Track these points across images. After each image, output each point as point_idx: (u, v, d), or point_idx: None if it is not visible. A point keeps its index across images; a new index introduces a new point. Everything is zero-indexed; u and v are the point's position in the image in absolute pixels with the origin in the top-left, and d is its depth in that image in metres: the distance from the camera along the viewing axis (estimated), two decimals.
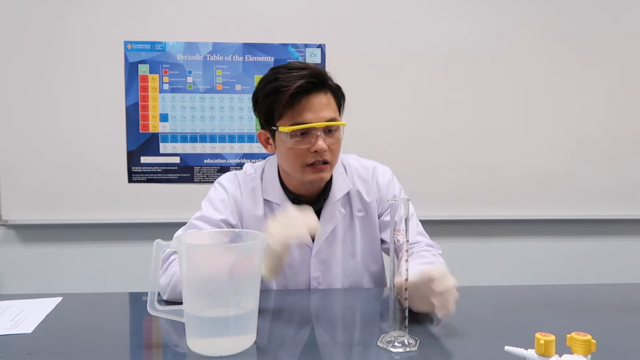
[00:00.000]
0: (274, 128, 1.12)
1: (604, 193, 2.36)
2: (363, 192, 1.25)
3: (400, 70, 2.25)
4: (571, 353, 0.69)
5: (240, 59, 2.20)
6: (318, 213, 1.21)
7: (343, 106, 1.18)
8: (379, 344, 0.83)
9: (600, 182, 2.35)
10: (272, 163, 1.25)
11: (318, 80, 1.09)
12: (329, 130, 1.11)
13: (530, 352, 0.72)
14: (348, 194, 1.25)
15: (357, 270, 1.27)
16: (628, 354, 0.85)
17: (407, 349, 0.81)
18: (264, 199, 1.21)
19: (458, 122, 2.28)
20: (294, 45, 2.21)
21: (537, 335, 0.71)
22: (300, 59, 2.21)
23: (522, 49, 2.28)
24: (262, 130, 1.18)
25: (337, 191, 1.23)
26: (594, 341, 0.69)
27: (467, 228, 2.37)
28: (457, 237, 2.37)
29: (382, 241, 1.28)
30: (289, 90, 1.06)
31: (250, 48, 2.20)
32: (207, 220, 1.18)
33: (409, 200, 0.85)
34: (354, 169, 1.28)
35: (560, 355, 0.69)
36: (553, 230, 2.41)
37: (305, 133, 1.09)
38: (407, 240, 0.83)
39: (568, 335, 0.70)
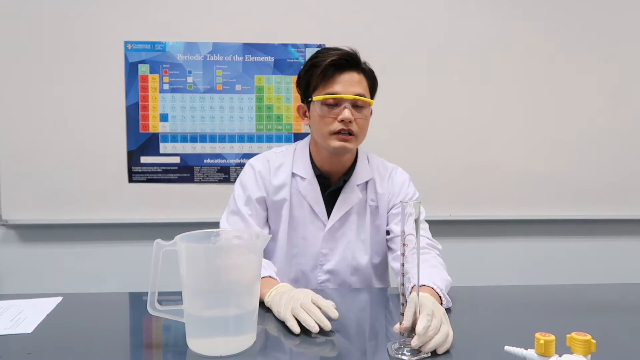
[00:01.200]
0: (309, 99, 1.25)
1: (604, 193, 2.36)
2: (378, 184, 1.35)
3: (400, 70, 2.25)
4: (571, 353, 0.69)
5: (240, 59, 2.20)
6: (338, 192, 1.31)
7: (375, 90, 1.31)
8: (389, 352, 0.83)
9: (600, 182, 2.35)
10: (305, 142, 1.38)
11: (350, 59, 1.23)
12: (357, 106, 1.23)
13: (530, 352, 0.72)
14: (366, 183, 1.34)
15: (362, 257, 1.33)
16: (628, 354, 0.85)
17: (418, 357, 0.80)
18: (292, 172, 1.32)
19: (458, 122, 2.28)
20: (294, 45, 2.21)
21: (537, 335, 0.71)
22: (300, 59, 2.22)
23: (523, 49, 2.28)
24: (300, 104, 1.32)
25: (359, 176, 1.33)
26: (594, 341, 0.69)
27: (467, 228, 2.37)
28: (457, 237, 2.36)
29: (387, 232, 1.35)
30: (324, 64, 1.20)
31: (250, 48, 2.20)
32: (240, 202, 1.31)
33: (420, 202, 0.84)
34: (376, 164, 1.38)
35: (560, 355, 0.69)
36: (553, 230, 2.41)
37: (335, 104, 1.22)
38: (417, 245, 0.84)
39: (568, 335, 0.71)
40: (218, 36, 2.18)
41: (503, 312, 1.08)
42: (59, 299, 1.09)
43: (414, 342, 0.80)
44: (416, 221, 0.82)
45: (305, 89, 1.27)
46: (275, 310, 0.99)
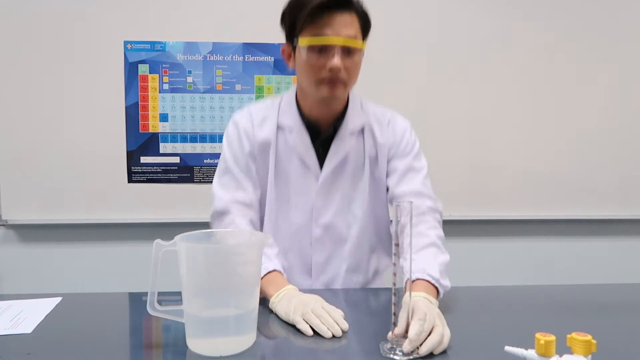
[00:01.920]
0: (295, 41, 1.13)
1: (604, 193, 2.36)
2: (377, 132, 1.25)
3: (400, 70, 2.25)
4: (571, 353, 0.69)
5: (240, 59, 2.20)
6: (329, 142, 1.21)
7: (368, 32, 1.18)
8: (381, 352, 0.83)
9: (600, 182, 2.35)
10: (291, 90, 1.26)
11: (342, 0, 1.08)
12: (347, 51, 1.10)
13: (530, 352, 0.72)
14: (362, 131, 1.24)
15: (360, 209, 1.25)
16: (628, 354, 0.85)
17: (409, 357, 0.81)
18: (278, 125, 1.22)
19: (458, 122, 2.28)
20: None
21: (537, 335, 0.71)
22: None
23: (523, 49, 2.28)
24: (285, 45, 1.19)
25: (351, 123, 1.22)
26: (594, 341, 0.69)
27: (467, 228, 2.37)
28: (457, 237, 2.36)
29: (387, 189, 1.27)
30: (313, 4, 1.06)
31: (250, 48, 2.20)
32: (229, 159, 1.22)
33: (411, 202, 0.84)
34: (371, 111, 1.27)
35: (560, 356, 0.69)
36: (553, 230, 2.41)
37: (323, 49, 1.09)
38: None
39: (568, 336, 0.70)
40: (218, 36, 2.18)
41: (503, 312, 1.08)
42: (58, 299, 1.09)
43: (405, 346, 0.79)
44: (410, 219, 0.82)
45: (290, 28, 1.14)
46: (282, 312, 0.97)
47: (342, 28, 1.08)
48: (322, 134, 1.21)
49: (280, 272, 1.10)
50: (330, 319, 0.91)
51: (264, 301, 1.03)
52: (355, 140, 1.23)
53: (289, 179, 1.22)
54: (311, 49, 1.09)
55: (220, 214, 1.19)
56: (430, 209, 1.21)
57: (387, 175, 1.26)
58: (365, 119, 1.25)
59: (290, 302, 0.97)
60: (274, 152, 1.21)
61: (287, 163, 1.21)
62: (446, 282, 1.05)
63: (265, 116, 1.23)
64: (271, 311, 1.02)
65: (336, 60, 1.08)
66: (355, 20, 1.11)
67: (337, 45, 1.08)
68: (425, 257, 1.08)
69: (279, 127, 1.22)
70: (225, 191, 1.20)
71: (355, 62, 1.13)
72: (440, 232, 1.19)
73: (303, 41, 1.09)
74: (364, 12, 1.15)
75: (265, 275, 1.06)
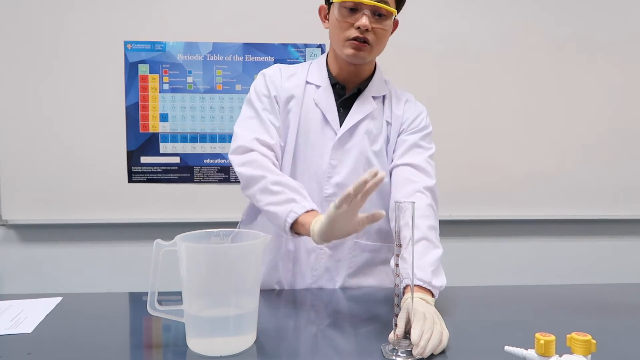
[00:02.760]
0: (330, 1, 1.18)
1: (604, 193, 2.36)
2: (394, 103, 1.30)
3: (400, 70, 2.24)
4: (571, 353, 0.69)
5: (240, 59, 2.20)
6: (352, 103, 1.26)
7: (402, 3, 1.25)
8: (383, 353, 0.83)
9: (600, 182, 2.35)
10: (324, 55, 1.32)
11: None
12: (378, 15, 1.16)
13: (530, 352, 0.72)
14: (383, 98, 1.29)
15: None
16: (628, 354, 0.85)
17: (412, 358, 0.81)
18: (306, 82, 1.26)
19: (458, 121, 2.28)
20: (294, 45, 2.21)
21: (537, 335, 0.71)
22: (301, 60, 2.21)
23: (523, 48, 2.28)
24: (322, 5, 1.25)
25: (374, 88, 1.28)
26: (594, 341, 0.69)
27: (467, 228, 2.37)
28: (457, 237, 2.36)
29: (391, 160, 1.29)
30: None
31: (250, 48, 2.20)
32: (258, 106, 1.24)
33: (413, 203, 0.84)
34: (394, 88, 1.34)
35: (560, 356, 0.69)
36: (553, 230, 2.41)
37: (354, 9, 1.14)
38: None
39: (568, 335, 0.71)
40: (218, 36, 2.18)
41: (503, 312, 1.08)
42: (58, 299, 1.09)
43: (416, 351, 0.80)
44: (412, 219, 0.82)
45: None
46: (324, 218, 0.92)
47: None
48: (347, 94, 1.26)
49: (316, 210, 1.07)
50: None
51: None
52: (375, 104, 1.27)
53: (308, 134, 1.25)
54: (343, 7, 1.14)
55: (242, 149, 1.19)
56: (426, 188, 1.22)
57: (395, 149, 1.29)
58: (384, 88, 1.30)
59: (327, 218, 0.91)
60: (299, 105, 1.24)
61: (308, 118, 1.25)
62: (439, 282, 1.03)
63: (294, 72, 1.28)
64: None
65: (365, 20, 1.12)
66: None
67: (367, 4, 1.12)
68: (416, 260, 1.04)
69: (306, 83, 1.26)
70: (249, 131, 1.21)
71: (384, 26, 1.17)
72: (432, 220, 1.17)
73: (337, 0, 1.14)
74: None
75: (304, 213, 1.04)
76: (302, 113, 1.24)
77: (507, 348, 0.74)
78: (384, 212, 0.90)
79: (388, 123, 1.28)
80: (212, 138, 2.22)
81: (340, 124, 1.24)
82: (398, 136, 1.29)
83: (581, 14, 2.29)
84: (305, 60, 2.21)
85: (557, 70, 2.30)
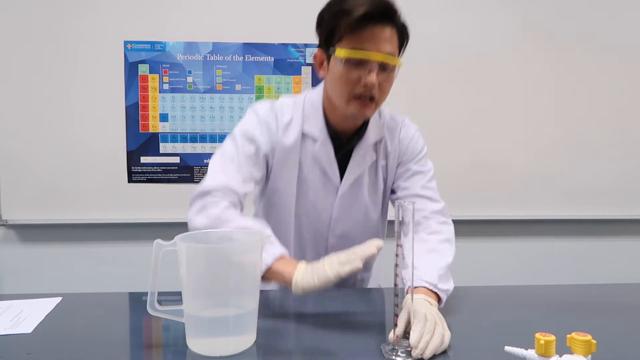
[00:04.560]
0: (331, 50, 1.08)
1: (604, 193, 2.36)
2: (388, 142, 1.25)
3: (400, 70, 2.24)
4: (571, 353, 0.69)
5: (240, 59, 2.20)
6: (350, 153, 1.20)
7: (405, 48, 1.16)
8: (383, 353, 0.83)
9: (600, 182, 2.35)
10: (317, 93, 1.21)
11: (386, 12, 1.05)
12: (383, 67, 1.08)
13: (530, 352, 0.72)
14: (377, 142, 1.24)
15: (373, 215, 1.28)
16: (628, 354, 0.85)
17: (411, 358, 0.81)
18: (302, 133, 1.18)
19: (458, 121, 2.28)
20: (294, 45, 2.21)
21: (537, 335, 0.71)
22: (301, 59, 2.21)
23: (523, 48, 2.28)
24: (318, 52, 1.14)
25: (372, 135, 1.21)
26: (594, 341, 0.69)
27: (467, 228, 2.37)
28: (457, 237, 2.35)
29: (392, 191, 1.28)
30: (355, 14, 1.02)
31: (250, 48, 2.20)
32: (242, 152, 1.17)
33: (414, 203, 0.84)
34: (387, 119, 1.27)
35: (560, 356, 0.69)
36: (553, 230, 2.41)
37: (360, 63, 1.06)
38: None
39: (568, 336, 0.70)
40: (218, 36, 2.18)
41: (503, 312, 1.08)
42: (58, 299, 1.09)
43: (415, 353, 0.80)
44: (412, 218, 0.82)
45: (328, 36, 1.08)
46: (313, 280, 0.90)
47: (383, 43, 1.05)
48: (345, 145, 1.20)
49: (287, 255, 1.04)
50: (363, 246, 0.88)
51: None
52: (372, 151, 1.23)
53: (308, 189, 1.21)
54: (348, 61, 1.06)
55: (206, 193, 1.11)
56: (433, 212, 1.21)
57: (395, 179, 1.27)
58: (381, 130, 1.24)
59: (316, 269, 0.91)
60: (296, 160, 1.18)
61: (308, 173, 1.20)
62: (446, 285, 1.04)
63: (290, 119, 1.18)
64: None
65: (373, 77, 1.05)
66: (395, 34, 1.09)
67: (376, 61, 1.05)
68: (423, 266, 1.06)
69: (303, 134, 1.18)
70: (224, 176, 1.14)
71: (389, 79, 1.12)
72: (443, 235, 1.19)
73: (341, 52, 1.05)
74: (404, 25, 1.13)
75: (276, 260, 1.00)
76: (301, 167, 1.19)
77: (507, 348, 0.74)
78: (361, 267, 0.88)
79: (386, 164, 1.26)
80: (212, 138, 2.22)
81: (341, 176, 1.20)
82: (397, 167, 1.27)
83: (581, 14, 2.29)
84: (305, 61, 2.21)
85: (557, 70, 2.30)
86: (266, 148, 1.16)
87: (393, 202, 1.26)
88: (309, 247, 1.24)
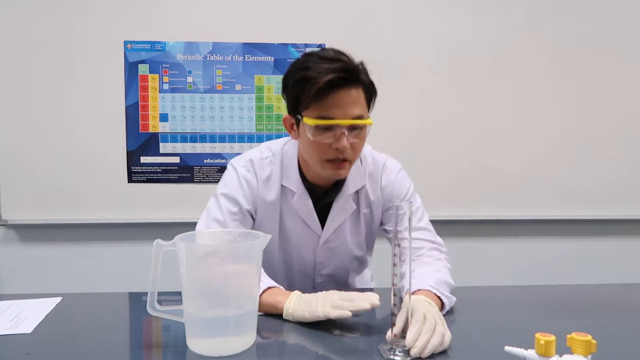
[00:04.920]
0: (299, 117, 1.08)
1: (604, 193, 2.36)
2: (370, 190, 1.24)
3: (400, 71, 2.25)
4: (571, 353, 0.69)
5: (240, 59, 2.20)
6: (330, 204, 1.21)
7: (374, 102, 1.13)
8: (381, 352, 0.83)
9: (600, 182, 2.35)
10: (292, 146, 1.22)
11: (349, 76, 1.03)
12: (353, 128, 1.07)
13: (530, 352, 0.72)
14: (358, 190, 1.24)
15: (358, 253, 1.31)
16: (628, 354, 0.85)
17: (410, 357, 0.81)
18: (281, 185, 1.20)
19: (458, 122, 2.28)
20: (294, 45, 2.21)
21: (537, 335, 0.71)
22: None
23: (522, 49, 2.28)
24: (287, 116, 1.14)
25: (351, 185, 1.21)
26: (594, 341, 0.69)
27: (467, 228, 2.37)
28: (457, 237, 2.36)
29: (386, 231, 1.29)
30: (318, 83, 1.01)
31: (250, 48, 2.20)
32: (226, 212, 1.18)
33: (411, 202, 0.84)
34: (368, 164, 1.25)
35: (560, 356, 0.69)
36: (553, 230, 2.41)
37: (329, 128, 1.05)
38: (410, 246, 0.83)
39: (568, 336, 0.70)
40: (218, 36, 2.18)
41: (503, 312, 1.08)
42: (58, 299, 1.09)
43: (413, 352, 0.80)
44: (410, 220, 0.82)
45: (294, 103, 1.09)
46: (304, 313, 0.93)
47: (350, 107, 1.04)
48: (323, 198, 1.21)
49: (279, 287, 1.07)
50: (360, 296, 0.90)
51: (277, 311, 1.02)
52: (352, 201, 1.23)
53: (291, 237, 1.24)
54: (317, 128, 1.05)
55: None
56: (430, 249, 1.22)
57: (384, 221, 1.28)
58: (362, 178, 1.23)
59: (309, 302, 0.94)
60: (277, 212, 1.21)
61: (289, 222, 1.22)
62: (449, 295, 1.04)
63: (269, 174, 1.20)
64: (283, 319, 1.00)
65: (343, 142, 1.05)
66: (362, 94, 1.08)
67: (344, 126, 1.04)
68: (424, 274, 1.08)
69: (282, 187, 1.20)
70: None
71: (361, 137, 1.10)
72: (446, 263, 1.19)
73: (308, 120, 1.05)
74: (370, 82, 1.10)
75: (265, 290, 1.02)
76: (282, 219, 1.22)
77: (507, 348, 0.74)
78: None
79: (370, 211, 1.26)
80: (212, 138, 2.22)
81: (322, 225, 1.22)
82: (384, 212, 1.27)
83: (581, 14, 2.29)
84: None
85: (557, 70, 2.30)
86: (248, 205, 1.18)
87: (390, 240, 1.27)
88: (298, 283, 1.29)
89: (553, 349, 0.70)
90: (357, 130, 1.08)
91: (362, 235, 1.28)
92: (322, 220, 1.22)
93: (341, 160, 1.08)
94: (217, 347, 0.81)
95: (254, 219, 1.22)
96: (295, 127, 1.13)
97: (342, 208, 1.22)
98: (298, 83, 1.05)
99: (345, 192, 1.21)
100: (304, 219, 1.21)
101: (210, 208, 1.19)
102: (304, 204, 1.20)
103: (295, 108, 1.09)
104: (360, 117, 1.06)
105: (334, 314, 0.89)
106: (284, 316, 0.97)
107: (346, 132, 1.05)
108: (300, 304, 0.95)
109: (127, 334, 0.96)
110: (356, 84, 1.05)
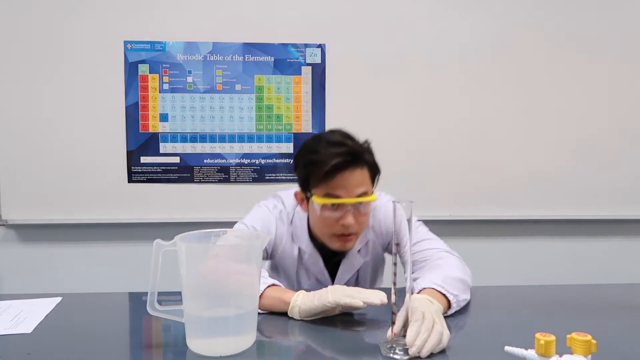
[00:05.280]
0: (308, 194, 1.18)
1: (604, 193, 2.36)
2: (376, 238, 1.32)
3: (400, 71, 2.25)
4: (571, 353, 0.69)
5: (240, 58, 2.20)
6: (339, 261, 1.30)
7: (378, 178, 1.22)
8: (381, 351, 0.83)
9: (600, 182, 2.35)
10: (304, 212, 1.28)
11: (354, 159, 1.13)
12: (359, 204, 1.16)
13: (531, 352, 0.72)
14: (364, 245, 1.31)
15: (368, 284, 1.38)
16: (628, 354, 0.85)
17: (410, 355, 0.81)
18: (292, 240, 1.29)
19: (458, 122, 2.28)
20: (294, 45, 2.21)
21: (537, 335, 0.71)
22: (301, 59, 2.21)
23: (523, 49, 2.28)
24: (298, 191, 1.24)
25: (358, 242, 1.27)
26: (594, 341, 0.69)
27: (467, 228, 2.37)
28: (457, 237, 2.35)
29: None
30: (326, 166, 1.11)
31: (250, 48, 2.20)
32: (250, 227, 1.28)
33: (412, 202, 0.84)
34: (370, 216, 1.29)
35: (560, 356, 0.69)
36: (553, 230, 2.41)
37: (335, 206, 1.14)
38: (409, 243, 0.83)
39: (568, 336, 0.71)
40: (218, 36, 2.18)
41: (503, 312, 1.08)
42: (58, 299, 1.09)
43: (412, 351, 0.80)
44: (408, 220, 0.82)
45: (304, 182, 1.19)
46: (312, 304, 0.96)
47: (355, 187, 1.13)
48: (333, 257, 1.29)
49: (280, 286, 1.10)
50: (370, 292, 0.93)
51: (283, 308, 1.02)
52: (359, 256, 1.31)
53: (304, 284, 1.32)
54: (325, 206, 1.15)
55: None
56: (438, 251, 1.24)
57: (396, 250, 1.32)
58: (365, 235, 1.29)
59: (319, 293, 0.97)
60: (294, 264, 1.30)
61: (303, 275, 1.32)
62: (455, 291, 1.04)
63: (283, 231, 1.29)
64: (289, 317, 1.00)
65: (349, 219, 1.14)
66: (366, 174, 1.16)
67: (349, 204, 1.14)
68: (435, 272, 1.09)
69: (292, 241, 1.29)
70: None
71: (367, 212, 1.19)
72: (459, 262, 1.22)
73: (317, 199, 1.14)
74: (373, 161, 1.19)
75: (270, 286, 1.05)
76: (297, 271, 1.31)
77: (507, 348, 0.74)
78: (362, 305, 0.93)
79: (375, 261, 1.35)
80: (212, 138, 2.22)
81: (332, 278, 1.31)
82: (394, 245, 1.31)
83: (580, 14, 2.29)
84: (305, 61, 2.21)
85: (557, 70, 2.30)
86: (266, 244, 1.24)
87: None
88: None
89: (553, 349, 0.70)
90: (362, 205, 1.16)
91: (368, 271, 1.35)
92: (333, 274, 1.31)
93: (348, 235, 1.17)
94: (217, 347, 0.81)
95: (268, 256, 1.31)
96: (305, 201, 1.23)
97: (350, 264, 1.30)
98: (308, 165, 1.16)
99: (352, 250, 1.28)
100: (316, 275, 1.30)
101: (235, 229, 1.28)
102: (314, 263, 1.29)
103: (305, 186, 1.19)
104: (364, 194, 1.15)
105: (345, 301, 0.92)
106: (289, 311, 0.99)
107: (352, 209, 1.15)
108: (308, 296, 0.98)
109: (127, 334, 0.96)
110: (361, 164, 1.14)
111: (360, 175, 1.14)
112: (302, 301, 0.98)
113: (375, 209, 1.30)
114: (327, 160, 1.11)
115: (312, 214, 1.21)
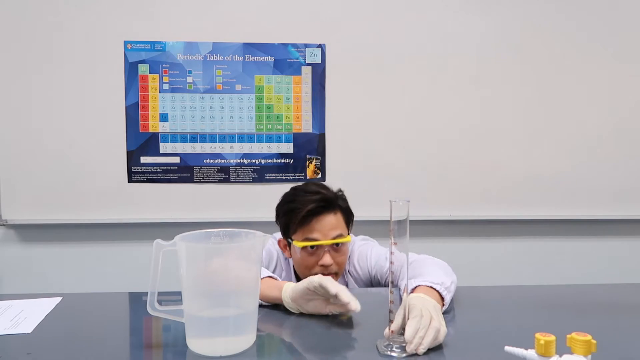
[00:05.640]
0: (289, 240, 1.31)
1: (604, 193, 2.36)
2: (354, 283, 1.40)
3: (400, 71, 2.25)
4: (571, 353, 0.69)
5: (240, 58, 2.20)
6: None
7: (352, 222, 1.36)
8: (378, 349, 0.83)
9: (600, 182, 2.35)
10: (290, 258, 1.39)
11: (327, 204, 1.27)
12: (336, 245, 1.28)
13: (531, 352, 0.72)
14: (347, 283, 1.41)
15: None
16: (628, 354, 0.85)
17: (406, 354, 0.81)
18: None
19: (458, 121, 2.28)
20: (294, 45, 2.21)
21: (537, 335, 0.71)
22: (301, 59, 2.21)
23: (523, 49, 2.28)
24: (281, 238, 1.37)
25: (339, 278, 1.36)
26: (594, 341, 0.69)
27: (467, 228, 2.37)
28: (457, 237, 2.36)
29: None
30: (301, 212, 1.25)
31: (250, 48, 2.20)
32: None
33: (409, 201, 0.84)
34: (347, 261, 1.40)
35: (560, 356, 0.69)
36: (553, 230, 2.41)
37: (314, 247, 1.27)
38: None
39: (568, 336, 0.71)
40: (218, 36, 2.18)
41: (503, 312, 1.08)
42: (58, 299, 1.09)
43: (410, 348, 0.80)
44: (405, 220, 0.83)
45: (285, 229, 1.32)
46: (303, 284, 0.99)
47: (330, 230, 1.26)
48: None
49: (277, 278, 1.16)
50: (350, 298, 0.95)
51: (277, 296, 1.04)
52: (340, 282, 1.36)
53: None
54: (304, 249, 1.27)
55: None
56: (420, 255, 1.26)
57: (380, 277, 1.38)
58: (344, 278, 1.39)
59: (309, 278, 0.99)
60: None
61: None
62: (449, 290, 1.04)
63: (273, 268, 1.41)
64: (270, 310, 1.01)
65: (327, 259, 1.27)
66: (340, 218, 1.30)
67: (326, 245, 1.26)
68: (428, 270, 1.10)
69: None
70: None
71: (344, 252, 1.31)
72: (439, 260, 1.22)
73: (297, 242, 1.27)
74: (347, 207, 1.33)
75: (266, 277, 1.11)
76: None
77: (507, 348, 0.74)
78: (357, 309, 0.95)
79: (357, 278, 1.41)
80: (212, 138, 2.22)
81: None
82: (372, 276, 1.39)
83: (582, 14, 2.29)
84: (305, 61, 2.21)
85: (556, 70, 2.30)
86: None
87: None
88: None
89: (553, 349, 0.70)
90: (339, 246, 1.29)
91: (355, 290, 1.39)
92: None
93: (327, 274, 1.22)
94: (217, 347, 0.81)
95: None
96: (287, 247, 1.35)
97: None
98: (287, 213, 1.30)
99: None
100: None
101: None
102: None
103: (286, 233, 1.32)
104: (340, 236, 1.27)
105: (328, 285, 0.94)
106: (282, 292, 1.03)
107: (329, 250, 1.27)
108: (299, 286, 1.01)
109: (127, 334, 0.97)
110: (334, 209, 1.29)
111: (334, 219, 1.27)
112: (295, 285, 1.03)
113: (350, 254, 1.39)
114: (303, 207, 1.25)
115: (295, 258, 1.33)
